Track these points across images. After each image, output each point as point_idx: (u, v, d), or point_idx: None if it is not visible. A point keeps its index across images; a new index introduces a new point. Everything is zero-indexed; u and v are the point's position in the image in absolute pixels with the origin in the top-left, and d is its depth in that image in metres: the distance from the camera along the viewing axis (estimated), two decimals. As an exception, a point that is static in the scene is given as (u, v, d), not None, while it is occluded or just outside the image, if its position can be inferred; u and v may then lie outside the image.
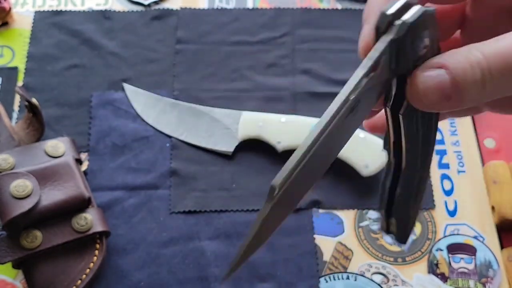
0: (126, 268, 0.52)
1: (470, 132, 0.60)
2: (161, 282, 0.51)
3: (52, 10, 0.65)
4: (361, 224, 0.55)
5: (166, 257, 0.53)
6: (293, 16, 0.66)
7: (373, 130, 0.30)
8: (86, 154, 0.57)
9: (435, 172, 0.57)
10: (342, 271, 0.52)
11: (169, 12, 0.66)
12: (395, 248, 0.54)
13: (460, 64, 0.21)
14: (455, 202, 0.56)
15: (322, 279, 0.52)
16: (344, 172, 0.55)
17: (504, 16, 0.25)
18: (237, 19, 0.66)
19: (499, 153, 0.58)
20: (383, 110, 0.26)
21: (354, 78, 0.22)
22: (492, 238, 0.54)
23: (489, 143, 0.59)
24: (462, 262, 0.53)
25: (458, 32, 0.29)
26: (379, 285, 0.52)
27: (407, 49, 0.21)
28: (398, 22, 0.21)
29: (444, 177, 0.57)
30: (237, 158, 0.58)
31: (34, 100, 0.53)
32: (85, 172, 0.56)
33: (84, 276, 0.49)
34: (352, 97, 0.22)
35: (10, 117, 0.59)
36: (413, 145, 0.25)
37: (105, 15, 0.65)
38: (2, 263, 0.47)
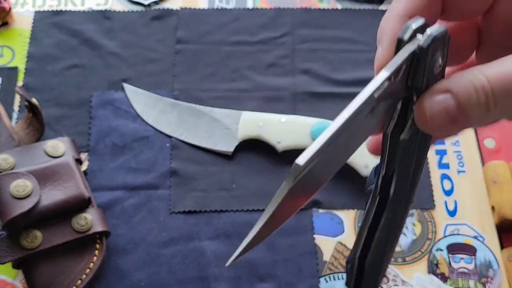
0: (126, 268, 0.52)
1: (470, 132, 0.60)
2: (161, 282, 0.51)
3: (52, 10, 0.65)
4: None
5: (166, 257, 0.53)
6: (293, 16, 0.66)
7: (375, 151, 0.30)
8: (86, 154, 0.57)
9: (435, 172, 0.57)
10: (342, 271, 0.52)
11: (169, 12, 0.66)
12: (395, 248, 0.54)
13: (465, 88, 0.22)
14: (455, 202, 0.56)
15: (322, 279, 0.52)
16: (344, 172, 0.55)
17: None
18: (237, 19, 0.66)
19: (499, 153, 0.58)
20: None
21: (379, 78, 0.23)
22: (492, 238, 0.54)
23: (489, 143, 0.59)
24: (462, 262, 0.53)
25: (473, 56, 0.29)
26: (379, 285, 0.52)
27: (426, 63, 0.22)
28: (423, 34, 0.22)
29: (444, 177, 0.57)
30: (237, 158, 0.58)
31: (34, 100, 0.53)
32: (85, 172, 0.56)
33: (84, 276, 0.49)
34: (376, 95, 0.22)
35: (10, 117, 0.59)
36: (403, 176, 0.26)
37: (105, 15, 0.65)
38: (2, 263, 0.47)
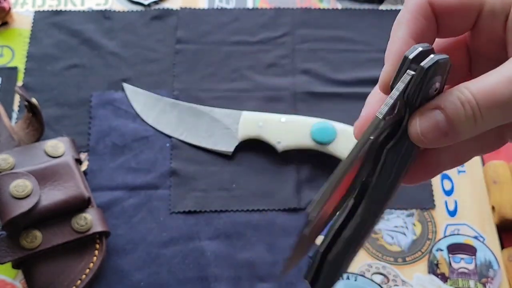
0: (126, 268, 0.52)
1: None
2: (161, 282, 0.51)
3: (52, 10, 0.65)
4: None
5: (166, 257, 0.52)
6: (293, 16, 0.66)
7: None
8: (86, 154, 0.57)
9: (435, 172, 0.57)
10: (342, 271, 0.52)
11: (169, 12, 0.66)
12: (395, 248, 0.54)
13: (453, 103, 0.24)
14: (455, 202, 0.56)
15: (322, 279, 0.52)
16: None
17: (499, 47, 0.27)
18: (237, 19, 0.66)
19: (499, 153, 0.58)
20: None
21: (374, 123, 0.26)
22: (492, 238, 0.54)
23: (489, 143, 0.59)
24: (462, 262, 0.53)
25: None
26: (379, 285, 0.52)
27: (424, 83, 0.24)
28: (421, 64, 0.24)
29: (444, 177, 0.57)
30: (237, 158, 0.58)
31: (33, 100, 0.53)
32: (85, 172, 0.56)
33: (84, 276, 0.49)
34: (372, 136, 0.26)
35: (10, 117, 0.59)
36: (381, 184, 0.27)
37: (105, 15, 0.65)
38: (2, 263, 0.47)
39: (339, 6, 0.67)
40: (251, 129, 0.57)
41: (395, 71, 0.25)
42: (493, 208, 0.55)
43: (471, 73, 0.30)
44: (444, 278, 0.52)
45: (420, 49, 0.24)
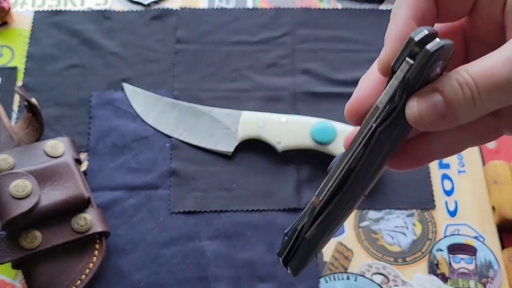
0: (126, 268, 0.52)
1: (470, 132, 0.60)
2: (161, 282, 0.51)
3: (52, 10, 0.65)
4: (361, 224, 0.55)
5: (166, 257, 0.52)
6: (293, 16, 0.66)
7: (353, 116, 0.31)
8: (85, 154, 0.57)
9: (435, 172, 0.57)
10: (342, 271, 0.52)
11: (169, 12, 0.66)
12: (396, 248, 0.54)
13: (451, 85, 0.24)
14: (456, 202, 0.56)
15: (322, 280, 0.52)
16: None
17: (497, 31, 0.27)
18: (237, 19, 0.66)
19: (500, 153, 0.58)
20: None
21: (375, 111, 0.26)
22: (492, 238, 0.54)
23: (489, 143, 0.59)
24: (462, 263, 0.53)
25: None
26: (379, 285, 0.52)
27: (426, 67, 0.24)
28: (426, 47, 0.24)
29: (445, 177, 0.57)
30: (237, 158, 0.58)
31: (33, 100, 0.53)
32: (84, 172, 0.56)
33: (83, 276, 0.49)
34: (374, 124, 0.26)
35: (10, 117, 0.59)
36: (367, 167, 0.27)
37: (104, 15, 0.65)
38: (2, 263, 0.47)
39: (339, 6, 0.67)
40: (251, 129, 0.57)
41: (396, 53, 0.25)
42: (493, 208, 0.55)
43: (467, 61, 0.30)
44: (444, 278, 0.52)
45: (426, 31, 0.24)
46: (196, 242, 0.53)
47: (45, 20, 0.65)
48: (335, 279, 0.52)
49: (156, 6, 0.66)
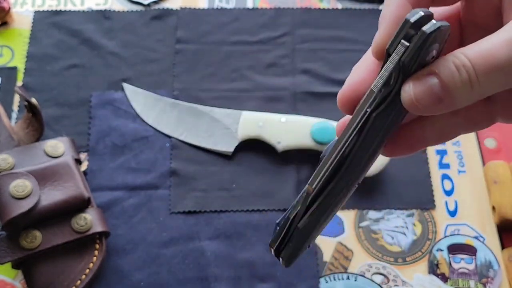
0: (126, 268, 0.52)
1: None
2: (161, 282, 0.51)
3: (52, 10, 0.65)
4: (361, 224, 0.55)
5: (166, 257, 0.52)
6: (293, 16, 0.66)
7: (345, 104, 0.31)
8: (85, 154, 0.57)
9: (435, 172, 0.57)
10: (342, 271, 0.52)
11: (169, 12, 0.66)
12: (396, 248, 0.54)
13: (448, 68, 0.23)
14: (456, 202, 0.56)
15: (322, 280, 0.52)
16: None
17: (494, 16, 0.26)
18: (237, 19, 0.66)
19: (500, 153, 0.58)
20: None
21: (370, 94, 0.25)
22: (492, 238, 0.54)
23: (489, 143, 0.59)
24: (462, 263, 0.53)
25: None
26: (379, 285, 0.52)
27: (423, 48, 0.23)
28: (423, 28, 0.23)
29: (445, 177, 0.57)
30: (237, 158, 0.58)
31: (33, 100, 0.53)
32: (84, 172, 0.56)
33: (83, 276, 0.49)
34: (369, 109, 0.25)
35: (10, 117, 0.59)
36: (361, 154, 0.27)
37: (104, 15, 0.65)
38: (2, 263, 0.47)
39: (339, 6, 0.67)
40: (251, 129, 0.57)
41: (391, 35, 0.24)
42: (493, 208, 0.55)
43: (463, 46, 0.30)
44: (444, 278, 0.52)
45: (422, 13, 0.23)
46: (196, 242, 0.53)
47: (45, 20, 0.65)
48: (335, 279, 0.52)
49: (156, 6, 0.66)
